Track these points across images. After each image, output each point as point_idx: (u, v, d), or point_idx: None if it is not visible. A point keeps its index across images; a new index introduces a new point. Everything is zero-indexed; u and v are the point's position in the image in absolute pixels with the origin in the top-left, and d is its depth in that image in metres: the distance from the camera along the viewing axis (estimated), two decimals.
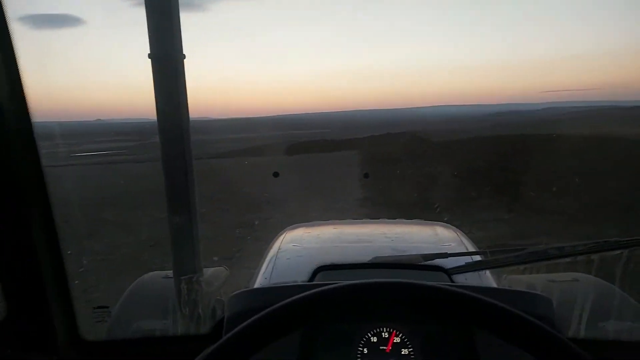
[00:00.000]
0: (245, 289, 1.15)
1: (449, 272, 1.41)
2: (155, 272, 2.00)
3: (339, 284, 0.71)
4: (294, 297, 0.70)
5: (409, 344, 1.09)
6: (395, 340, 1.09)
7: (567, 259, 1.33)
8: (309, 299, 0.70)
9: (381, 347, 1.09)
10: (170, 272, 1.70)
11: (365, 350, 1.08)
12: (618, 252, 1.30)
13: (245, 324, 0.67)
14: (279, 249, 1.83)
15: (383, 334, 1.10)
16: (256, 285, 1.56)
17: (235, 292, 1.13)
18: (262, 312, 0.68)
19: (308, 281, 1.38)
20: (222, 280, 1.92)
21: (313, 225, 2.27)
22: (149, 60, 1.56)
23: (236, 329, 0.67)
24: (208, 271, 1.87)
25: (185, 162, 1.58)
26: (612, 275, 1.69)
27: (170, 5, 1.53)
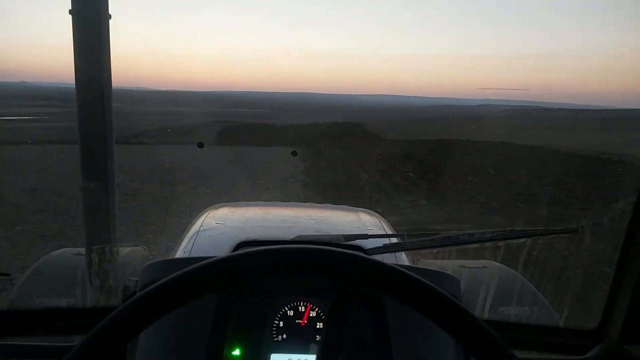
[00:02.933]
0: (158, 259, 1.14)
1: (368, 252, 1.46)
2: (66, 248, 1.91)
3: (243, 251, 0.72)
4: (199, 263, 0.70)
5: (323, 317, 1.13)
6: (310, 314, 1.13)
7: (476, 245, 1.42)
8: (215, 265, 0.70)
9: (297, 321, 1.12)
10: (82, 250, 1.63)
11: (281, 324, 1.10)
12: (522, 240, 1.41)
13: (145, 290, 0.66)
14: (201, 225, 1.81)
15: (300, 307, 1.13)
16: (179, 257, 1.53)
17: (149, 262, 1.11)
18: (165, 278, 0.68)
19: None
20: (139, 260, 1.87)
21: (238, 205, 2.25)
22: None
23: (137, 295, 0.66)
24: (125, 250, 1.81)
25: (104, 128, 1.51)
26: (518, 263, 1.84)
27: None
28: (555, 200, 7.80)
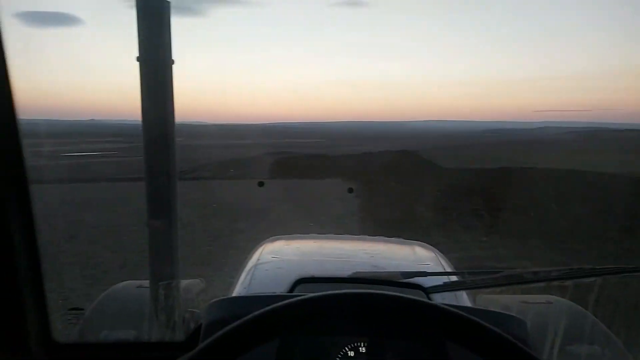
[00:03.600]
0: (223, 297, 1.17)
1: (427, 291, 1.43)
2: (129, 281, 1.99)
3: (317, 294, 0.73)
4: (274, 305, 0.71)
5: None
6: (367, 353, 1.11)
7: (542, 284, 1.36)
8: (289, 307, 0.71)
9: None
10: (144, 282, 1.69)
11: None
12: (592, 279, 1.34)
13: (223, 331, 0.68)
14: (258, 260, 1.84)
15: (360, 348, 1.12)
16: (234, 295, 1.56)
17: (213, 300, 1.14)
18: (241, 320, 0.70)
19: (287, 292, 1.39)
20: (196, 292, 1.92)
21: (293, 238, 2.28)
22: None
23: (214, 336, 0.68)
24: (183, 283, 1.87)
25: (168, 167, 1.58)
26: (584, 300, 1.73)
27: (161, 8, 1.54)
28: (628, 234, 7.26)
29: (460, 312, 0.69)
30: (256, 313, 0.68)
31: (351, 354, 1.10)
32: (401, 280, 1.44)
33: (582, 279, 1.35)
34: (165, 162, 1.57)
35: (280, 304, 0.69)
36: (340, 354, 1.10)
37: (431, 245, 2.26)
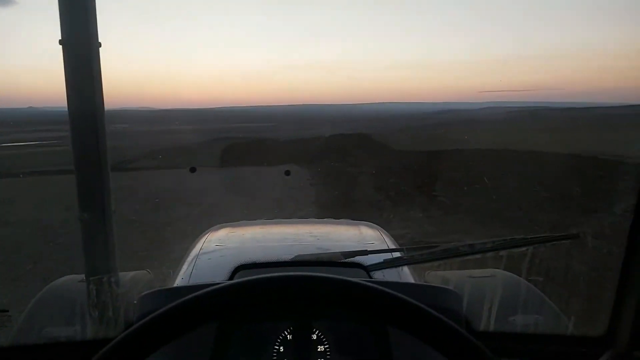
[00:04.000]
0: (155, 289, 1.14)
1: (368, 269, 1.46)
2: (71, 275, 1.92)
3: (239, 280, 0.72)
4: (190, 295, 0.69)
5: (325, 341, 1.12)
6: (312, 338, 1.12)
7: (478, 256, 1.42)
8: (209, 295, 0.69)
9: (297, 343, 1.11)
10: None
11: (282, 349, 1.10)
12: (524, 248, 1.40)
13: (141, 322, 0.66)
14: (201, 249, 1.81)
15: (293, 333, 1.12)
16: (175, 286, 1.54)
17: (144, 293, 1.11)
18: (161, 310, 0.68)
19: (227, 280, 1.38)
20: (143, 284, 1.87)
21: (239, 225, 2.26)
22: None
23: (133, 327, 0.66)
24: (128, 275, 1.82)
25: (99, 156, 1.52)
26: (529, 271, 1.82)
27: None
28: (554, 206, 7.67)
29: (379, 287, 0.69)
30: (174, 304, 0.67)
31: (290, 337, 1.10)
32: (342, 260, 1.46)
33: (515, 248, 1.41)
34: (94, 152, 1.51)
35: (192, 295, 0.67)
36: (280, 339, 1.10)
37: (377, 224, 2.30)
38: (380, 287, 0.69)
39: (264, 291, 0.70)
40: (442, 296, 1.16)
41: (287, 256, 1.51)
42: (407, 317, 0.68)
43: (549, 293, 1.78)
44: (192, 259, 1.72)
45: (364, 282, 0.69)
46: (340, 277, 0.70)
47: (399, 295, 0.68)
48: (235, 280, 0.71)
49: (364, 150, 18.63)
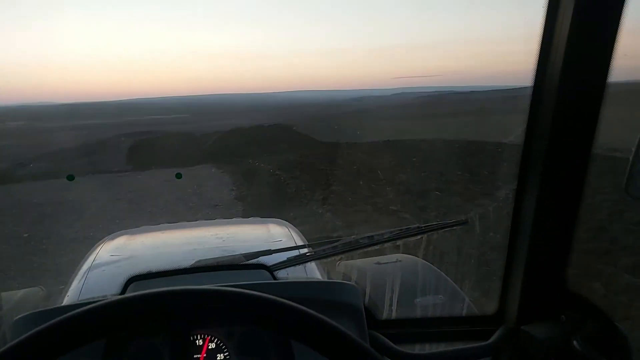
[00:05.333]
0: (30, 312, 1.06)
1: (271, 269, 1.46)
2: None
3: (106, 300, 0.69)
4: (55, 320, 0.66)
5: (224, 348, 1.10)
6: (209, 347, 1.10)
7: (376, 247, 1.48)
8: (78, 317, 0.66)
9: (195, 356, 1.09)
10: None
11: None
12: (418, 237, 1.49)
13: (6, 346, 0.63)
14: (94, 260, 1.72)
15: (197, 341, 1.10)
16: (64, 304, 1.45)
17: (20, 315, 1.04)
18: (26, 335, 0.64)
19: (119, 294, 1.32)
20: (34, 302, 1.75)
21: (138, 232, 2.16)
22: None
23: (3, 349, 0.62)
24: (19, 293, 1.69)
25: None
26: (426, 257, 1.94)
27: None
28: (442, 194, 8.00)
29: (248, 292, 0.69)
30: (35, 330, 0.63)
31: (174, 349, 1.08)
32: (244, 262, 1.45)
33: (411, 237, 1.49)
34: None
35: (58, 319, 0.64)
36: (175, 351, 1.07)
37: (286, 220, 2.31)
38: (249, 292, 0.69)
39: (145, 308, 0.68)
40: (341, 291, 1.20)
41: (187, 263, 1.47)
42: (284, 321, 0.69)
43: (449, 275, 1.91)
44: (84, 273, 1.63)
45: (232, 290, 0.69)
46: (206, 286, 0.70)
47: (270, 297, 0.69)
48: (111, 299, 0.68)
49: (288, 142, 17.81)
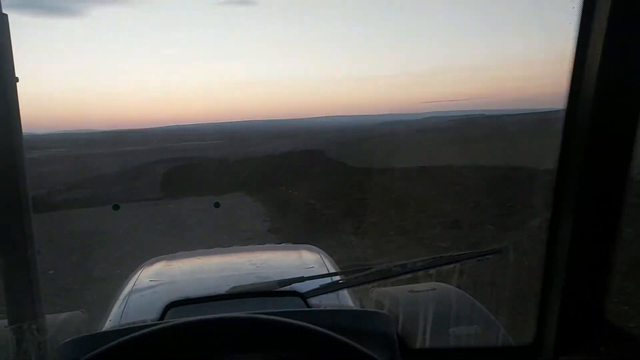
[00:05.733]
0: (79, 336, 1.12)
1: (305, 296, 1.49)
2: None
3: (156, 327, 0.73)
4: (109, 344, 0.70)
5: None
6: None
7: (409, 275, 1.49)
8: (126, 344, 0.71)
9: None
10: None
11: None
12: (451, 265, 1.49)
13: None
14: (134, 285, 1.79)
15: None
16: (104, 329, 1.51)
17: (67, 340, 1.09)
18: None
19: (158, 319, 1.37)
20: (75, 326, 1.82)
21: (175, 257, 2.23)
22: None
23: None
24: (60, 316, 1.77)
25: (19, 196, 1.48)
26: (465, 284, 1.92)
27: None
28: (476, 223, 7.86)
29: (283, 319, 0.72)
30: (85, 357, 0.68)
31: None
32: (278, 289, 1.49)
33: (443, 266, 1.50)
34: (14, 192, 1.46)
35: (105, 347, 0.69)
36: None
37: (319, 247, 2.34)
38: (282, 319, 0.73)
39: (189, 336, 0.72)
40: (373, 320, 1.21)
41: (223, 288, 1.52)
42: (321, 350, 0.71)
43: (484, 304, 1.88)
44: (124, 297, 1.70)
45: (270, 318, 0.73)
46: (244, 314, 0.73)
47: (304, 325, 0.72)
48: (155, 327, 0.72)
49: (319, 168, 17.48)
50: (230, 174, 17.57)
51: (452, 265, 1.48)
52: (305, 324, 0.73)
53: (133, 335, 0.71)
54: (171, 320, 0.73)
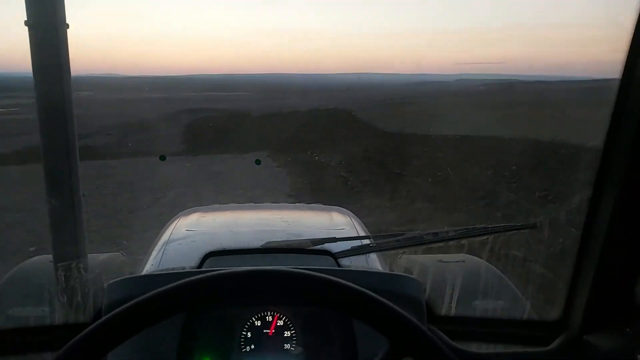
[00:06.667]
0: (124, 277, 1.20)
1: (336, 256, 1.55)
2: (43, 255, 1.96)
3: (205, 275, 0.78)
4: (161, 289, 0.76)
5: (291, 326, 1.21)
6: (278, 323, 1.20)
7: (440, 244, 1.53)
8: (176, 290, 0.77)
9: (264, 330, 1.20)
10: None
11: (249, 334, 1.18)
12: (484, 237, 1.52)
13: (111, 314, 0.73)
14: (171, 233, 1.87)
15: (267, 317, 1.20)
16: (144, 272, 1.60)
17: (113, 280, 1.17)
18: (131, 302, 0.74)
19: (197, 268, 1.45)
20: (115, 267, 1.93)
21: (210, 210, 2.31)
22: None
23: (103, 318, 0.73)
24: (100, 257, 1.87)
25: (67, 141, 1.55)
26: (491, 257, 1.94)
27: None
28: (512, 196, 7.63)
29: (341, 281, 0.77)
30: (142, 298, 0.73)
31: (258, 323, 1.19)
32: (311, 247, 1.54)
33: (476, 237, 1.52)
34: (63, 137, 1.54)
35: (164, 289, 0.74)
36: (247, 324, 1.18)
37: (349, 210, 2.39)
38: (341, 281, 0.78)
39: (235, 285, 0.77)
40: (403, 283, 1.26)
41: (257, 242, 1.58)
42: (363, 308, 0.77)
43: (513, 279, 1.91)
44: (162, 244, 1.78)
45: (326, 277, 0.78)
46: (304, 271, 0.78)
47: (354, 286, 0.77)
48: (205, 275, 0.78)
49: (345, 129, 16.52)
50: (253, 130, 16.91)
51: (484, 237, 1.51)
52: (353, 285, 0.78)
53: (186, 280, 0.76)
54: (214, 269, 0.79)
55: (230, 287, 0.77)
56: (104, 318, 0.73)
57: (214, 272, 0.78)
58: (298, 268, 0.84)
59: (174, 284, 0.76)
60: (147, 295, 0.74)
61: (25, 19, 1.49)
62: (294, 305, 1.19)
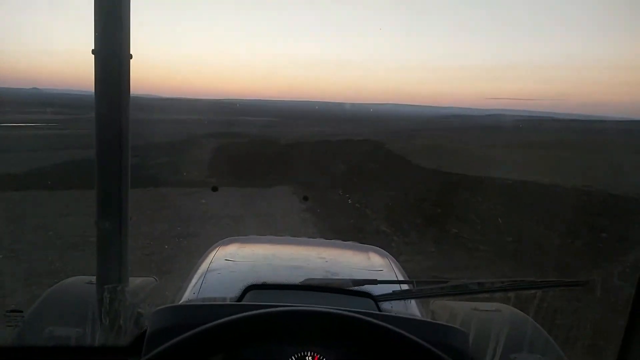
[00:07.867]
0: (169, 305, 1.21)
1: (377, 299, 1.54)
2: (79, 276, 2.00)
3: (257, 312, 0.79)
4: (215, 322, 0.77)
5: None
6: None
7: (486, 294, 1.51)
8: (233, 323, 0.78)
9: None
10: (94, 278, 1.73)
11: None
12: (532, 291, 1.49)
13: (167, 345, 0.74)
14: (211, 262, 1.90)
15: (307, 357, 1.20)
16: (183, 300, 1.62)
17: (159, 307, 1.18)
18: (186, 335, 0.76)
19: (237, 300, 1.47)
20: (149, 291, 1.95)
21: (248, 240, 2.34)
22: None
23: (158, 349, 0.74)
24: (135, 281, 1.90)
25: (120, 166, 1.61)
26: (531, 309, 1.90)
27: (120, 3, 1.55)
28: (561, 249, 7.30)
29: (390, 327, 0.78)
30: (198, 330, 0.75)
31: None
32: (352, 288, 1.54)
33: (524, 290, 1.50)
34: (117, 162, 1.60)
35: (219, 322, 0.76)
36: None
37: (386, 251, 2.37)
38: (392, 328, 0.78)
39: (285, 324, 0.79)
40: (449, 334, 1.24)
41: (295, 278, 1.59)
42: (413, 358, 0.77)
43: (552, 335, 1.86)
44: (202, 273, 1.81)
45: (377, 322, 0.78)
46: (353, 314, 0.79)
47: (409, 336, 0.77)
48: (257, 312, 0.79)
49: (379, 165, 15.66)
50: (281, 160, 16.26)
51: (533, 291, 1.48)
52: (404, 333, 0.78)
53: (241, 315, 0.77)
54: (257, 304, 0.80)
55: (296, 325, 0.79)
56: (161, 348, 0.74)
57: (280, 309, 0.79)
58: (339, 309, 0.85)
59: (232, 317, 0.77)
60: (200, 328, 0.76)
61: (92, 47, 1.57)
62: (339, 347, 1.19)
